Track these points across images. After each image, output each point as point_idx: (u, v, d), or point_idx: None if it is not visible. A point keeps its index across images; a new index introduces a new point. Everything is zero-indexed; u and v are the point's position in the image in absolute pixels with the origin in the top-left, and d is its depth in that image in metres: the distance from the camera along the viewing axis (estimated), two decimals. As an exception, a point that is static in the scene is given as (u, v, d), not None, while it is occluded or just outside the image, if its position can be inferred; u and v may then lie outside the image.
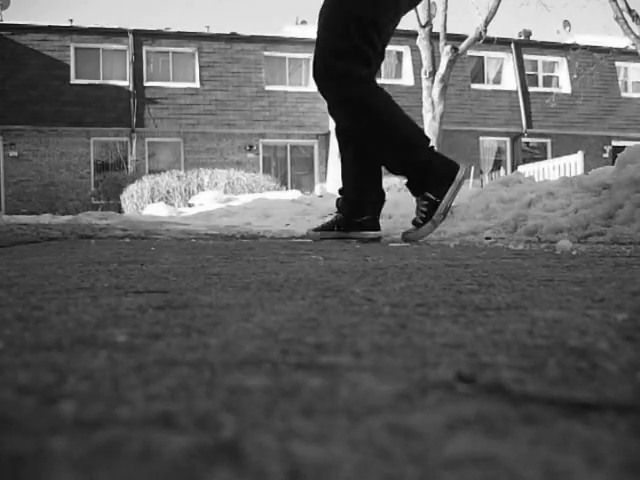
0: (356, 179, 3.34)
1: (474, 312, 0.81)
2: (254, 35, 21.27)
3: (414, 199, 3.26)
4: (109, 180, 19.03)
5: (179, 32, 20.95)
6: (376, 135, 3.18)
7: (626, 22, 16.26)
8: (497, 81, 22.64)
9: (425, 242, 3.09)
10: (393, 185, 18.18)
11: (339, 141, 3.39)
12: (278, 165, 21.59)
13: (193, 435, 0.36)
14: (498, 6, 14.94)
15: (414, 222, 3.19)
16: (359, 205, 3.32)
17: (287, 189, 17.58)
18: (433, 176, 3.15)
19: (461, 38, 16.74)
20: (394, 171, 3.27)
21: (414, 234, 3.16)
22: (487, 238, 3.52)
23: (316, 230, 3.44)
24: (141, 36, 20.66)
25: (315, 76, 3.23)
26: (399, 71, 21.53)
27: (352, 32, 3.06)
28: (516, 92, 22.06)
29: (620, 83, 23.14)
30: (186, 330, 0.68)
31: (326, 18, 3.17)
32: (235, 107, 20.49)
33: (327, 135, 20.88)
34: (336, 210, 3.45)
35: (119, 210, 16.03)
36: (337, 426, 0.37)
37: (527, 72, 22.56)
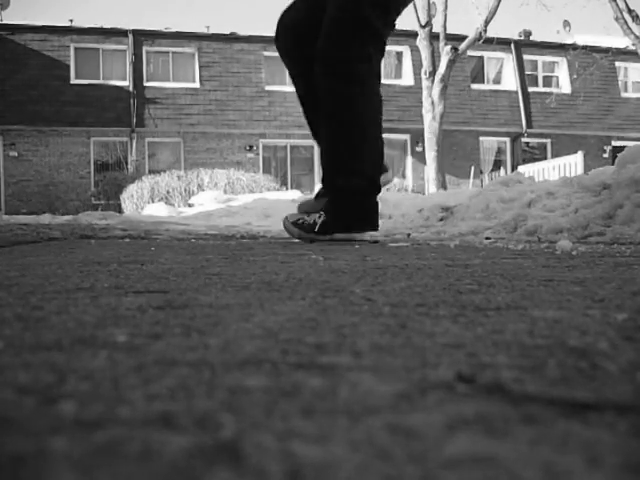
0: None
1: (474, 312, 0.81)
2: (254, 35, 21.27)
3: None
4: (109, 180, 19.05)
5: (179, 32, 20.95)
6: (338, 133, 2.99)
7: (626, 22, 16.27)
8: (497, 81, 22.65)
9: (425, 242, 3.09)
10: (393, 185, 18.21)
11: None
12: (278, 165, 21.59)
13: (193, 435, 0.36)
14: (498, 6, 14.95)
15: (309, 225, 3.01)
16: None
17: (287, 189, 17.58)
18: (342, 210, 2.94)
19: (461, 38, 16.75)
20: (325, 170, 3.07)
21: (293, 228, 3.03)
22: (487, 238, 3.52)
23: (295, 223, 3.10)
24: (141, 36, 20.67)
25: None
26: (399, 71, 21.53)
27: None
28: (516, 92, 22.07)
29: (620, 83, 23.15)
30: (186, 330, 0.68)
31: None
32: (235, 107, 20.50)
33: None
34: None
35: (119, 210, 16.04)
36: (337, 426, 0.37)
37: (527, 72, 22.57)
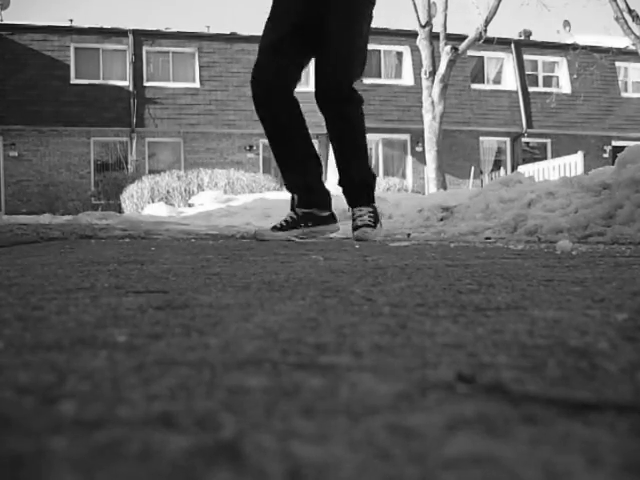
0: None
1: (474, 312, 0.81)
2: (254, 35, 21.24)
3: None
4: (109, 180, 19.03)
5: (179, 32, 20.94)
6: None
7: (626, 22, 16.25)
8: (497, 81, 22.63)
9: (425, 242, 3.09)
10: (393, 185, 18.20)
11: None
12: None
13: (193, 435, 0.36)
14: (498, 6, 14.93)
15: (365, 225, 3.40)
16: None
17: (287, 189, 17.52)
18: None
19: (461, 38, 16.72)
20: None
21: (371, 233, 3.38)
22: (487, 238, 3.52)
23: (275, 229, 3.41)
24: (141, 36, 20.65)
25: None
26: (399, 71, 21.50)
27: None
28: (516, 92, 22.05)
29: (620, 83, 23.13)
30: (186, 330, 0.68)
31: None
32: (235, 107, 20.48)
33: (327, 135, 20.85)
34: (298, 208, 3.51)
35: (119, 210, 16.02)
36: (337, 426, 0.37)
37: (527, 72, 22.55)
